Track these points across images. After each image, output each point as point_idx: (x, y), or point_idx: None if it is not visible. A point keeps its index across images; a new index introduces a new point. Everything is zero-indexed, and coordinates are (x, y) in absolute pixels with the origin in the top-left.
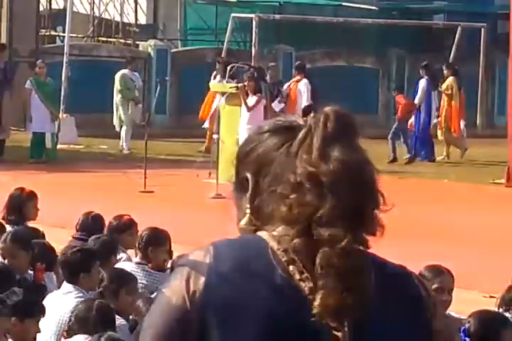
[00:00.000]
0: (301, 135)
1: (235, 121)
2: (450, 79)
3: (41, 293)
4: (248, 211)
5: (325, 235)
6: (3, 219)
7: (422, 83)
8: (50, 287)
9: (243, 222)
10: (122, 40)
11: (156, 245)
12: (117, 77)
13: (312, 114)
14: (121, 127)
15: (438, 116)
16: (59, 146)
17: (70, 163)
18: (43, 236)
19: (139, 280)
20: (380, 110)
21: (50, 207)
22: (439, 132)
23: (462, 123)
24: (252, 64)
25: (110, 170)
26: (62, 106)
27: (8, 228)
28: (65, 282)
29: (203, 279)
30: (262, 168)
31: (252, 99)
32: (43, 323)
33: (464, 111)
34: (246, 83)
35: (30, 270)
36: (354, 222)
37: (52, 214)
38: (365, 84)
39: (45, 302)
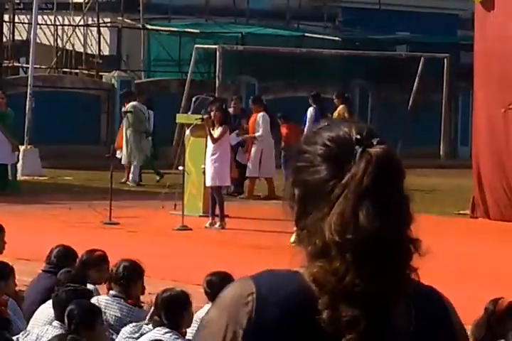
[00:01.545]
0: (336, 190)
1: (199, 153)
2: (340, 108)
3: (6, 328)
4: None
5: (346, 316)
6: None
7: (310, 112)
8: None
9: (292, 239)
10: (86, 71)
11: (134, 279)
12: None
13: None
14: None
15: None
16: (23, 178)
17: (34, 195)
18: (11, 270)
19: (113, 313)
20: None
21: (15, 240)
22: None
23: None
24: (216, 95)
25: (75, 202)
26: (26, 138)
27: None
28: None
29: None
30: (308, 196)
31: (217, 130)
32: None
33: None
34: (212, 114)
35: None
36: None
37: (18, 246)
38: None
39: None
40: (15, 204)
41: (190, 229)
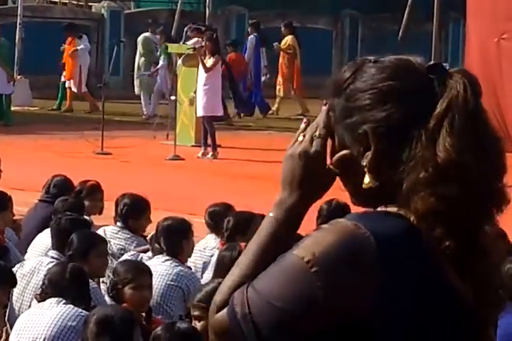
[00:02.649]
0: (439, 110)
1: (191, 82)
2: (289, 38)
3: (4, 255)
4: (366, 169)
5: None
6: None
7: (251, 40)
8: (17, 252)
9: (367, 180)
10: (75, 2)
11: (137, 213)
12: (140, 40)
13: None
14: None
15: (266, 74)
16: (13, 108)
17: (25, 126)
18: (9, 199)
19: (118, 243)
20: (333, 72)
21: (9, 170)
22: (278, 88)
23: None
24: (208, 25)
25: (66, 133)
26: (16, 68)
27: None
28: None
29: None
30: (389, 132)
31: (209, 60)
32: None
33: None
34: (204, 44)
35: None
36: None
37: (11, 176)
38: (318, 45)
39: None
40: (6, 134)
41: (183, 159)
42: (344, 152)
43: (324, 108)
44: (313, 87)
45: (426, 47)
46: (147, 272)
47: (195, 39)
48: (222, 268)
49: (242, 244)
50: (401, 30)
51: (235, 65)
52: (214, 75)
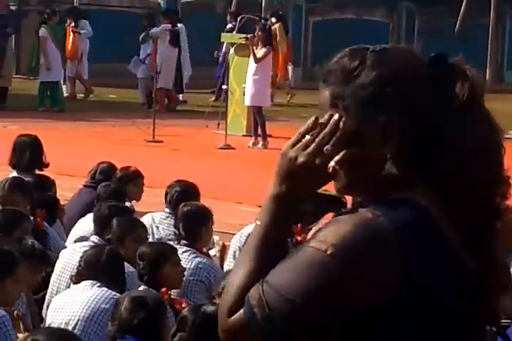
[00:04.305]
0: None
1: (243, 72)
2: (275, 26)
3: (43, 239)
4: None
5: None
6: (13, 165)
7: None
8: (61, 234)
9: (390, 168)
10: None
11: (187, 200)
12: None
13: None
14: None
15: None
16: (66, 95)
17: (78, 112)
18: (53, 184)
19: (167, 228)
20: None
21: (59, 156)
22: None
23: (290, 67)
24: (262, 15)
25: (119, 120)
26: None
27: (15, 174)
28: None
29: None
30: (417, 117)
31: (261, 51)
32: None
33: (291, 55)
34: (256, 34)
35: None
36: None
37: (61, 162)
38: (374, 37)
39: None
40: (59, 120)
41: (233, 148)
42: (352, 151)
43: (336, 116)
44: None
45: (483, 41)
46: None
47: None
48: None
49: None
50: (458, 24)
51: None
52: (264, 66)
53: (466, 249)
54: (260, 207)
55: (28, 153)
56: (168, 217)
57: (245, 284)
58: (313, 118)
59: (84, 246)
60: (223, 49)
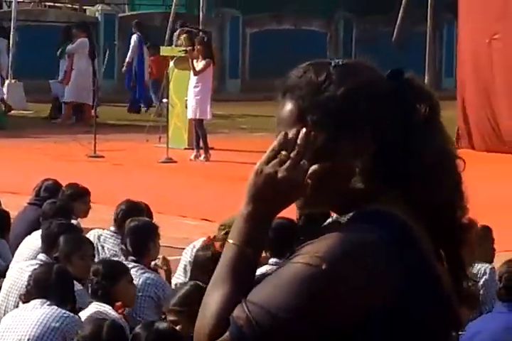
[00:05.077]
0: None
1: (184, 85)
2: (182, 37)
3: None
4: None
5: None
6: None
7: (134, 39)
8: (4, 253)
9: (357, 182)
10: (69, 5)
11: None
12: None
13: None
14: None
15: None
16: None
17: (19, 129)
18: None
19: (111, 247)
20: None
21: (1, 173)
22: None
23: None
24: (201, 28)
25: (60, 136)
26: (10, 72)
27: None
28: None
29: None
30: (383, 131)
31: (200, 64)
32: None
33: None
34: (195, 47)
35: None
36: None
37: (4, 180)
38: (312, 47)
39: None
40: (1, 137)
41: (176, 162)
42: (324, 164)
43: (304, 131)
44: None
45: (420, 49)
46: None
47: (81, 39)
48: (198, 268)
49: (217, 244)
50: (395, 32)
51: (156, 66)
52: (204, 78)
53: (439, 261)
54: (205, 220)
55: None
56: (113, 235)
57: (224, 306)
58: (282, 133)
59: (32, 264)
60: (127, 58)
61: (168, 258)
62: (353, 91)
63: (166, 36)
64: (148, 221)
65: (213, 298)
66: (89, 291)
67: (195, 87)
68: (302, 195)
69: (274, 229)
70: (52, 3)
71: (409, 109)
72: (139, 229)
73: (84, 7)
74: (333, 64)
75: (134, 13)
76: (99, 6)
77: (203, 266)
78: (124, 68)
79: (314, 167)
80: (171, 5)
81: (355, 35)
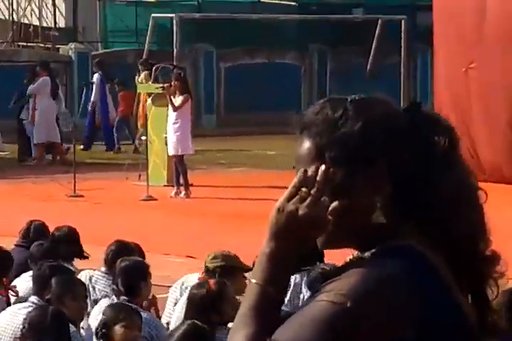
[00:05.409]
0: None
1: (162, 122)
2: (143, 74)
3: None
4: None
5: None
6: None
7: (96, 78)
8: None
9: (379, 217)
10: (42, 45)
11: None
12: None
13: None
14: None
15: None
16: None
17: None
18: None
19: (102, 288)
20: (303, 107)
21: None
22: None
23: None
24: (176, 64)
25: (37, 176)
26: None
27: None
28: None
29: None
30: (403, 165)
31: (178, 99)
32: None
33: None
34: (172, 83)
35: None
36: None
37: None
38: (287, 81)
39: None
40: None
41: (156, 200)
42: (344, 201)
43: (323, 168)
44: (282, 123)
45: (394, 79)
46: (138, 313)
47: (42, 78)
48: (193, 307)
49: (211, 281)
50: (369, 63)
51: (125, 102)
52: (183, 114)
53: (464, 295)
54: (190, 257)
55: None
56: (104, 276)
57: None
58: (302, 170)
59: (24, 307)
60: (92, 98)
61: None
62: (369, 125)
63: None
64: (139, 260)
65: (238, 339)
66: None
67: (174, 123)
68: (324, 232)
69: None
70: (24, 43)
71: (427, 141)
72: (129, 268)
73: (57, 46)
74: (349, 99)
75: (108, 50)
76: (72, 45)
77: (198, 305)
78: (89, 108)
79: (334, 204)
80: (144, 42)
81: (330, 67)
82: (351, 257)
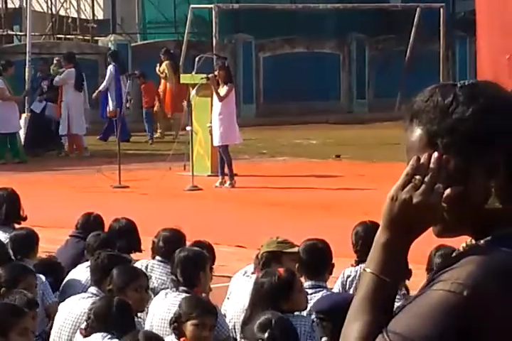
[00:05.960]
0: None
1: (206, 112)
2: (164, 64)
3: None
4: (493, 191)
5: None
6: None
7: (110, 69)
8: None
9: (494, 201)
10: (81, 37)
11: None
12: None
13: None
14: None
15: (130, 100)
16: None
17: (39, 162)
18: (37, 237)
19: (159, 277)
20: (342, 96)
21: (28, 208)
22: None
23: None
24: (220, 54)
25: (82, 168)
26: (26, 106)
27: None
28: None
29: None
30: None
31: (223, 89)
32: (58, 324)
33: (185, 91)
34: (216, 73)
35: None
36: None
37: (31, 214)
38: (326, 70)
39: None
40: (22, 172)
41: (201, 189)
42: (459, 187)
43: (435, 155)
44: (322, 111)
45: (433, 67)
46: (213, 313)
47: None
48: (261, 295)
49: (281, 270)
50: (408, 51)
51: (148, 93)
52: (228, 104)
53: None
54: (240, 246)
55: (5, 207)
56: (160, 265)
57: (365, 336)
58: (415, 158)
59: (83, 297)
60: (100, 88)
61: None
62: (481, 110)
63: (180, 63)
64: (199, 250)
65: (353, 329)
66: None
67: (220, 113)
68: (439, 219)
69: (307, 251)
70: (63, 36)
71: None
72: (189, 259)
73: (96, 38)
74: (459, 85)
75: (146, 42)
76: (111, 37)
77: (268, 293)
78: (93, 95)
79: (449, 190)
80: (183, 33)
81: (368, 56)
82: (464, 245)
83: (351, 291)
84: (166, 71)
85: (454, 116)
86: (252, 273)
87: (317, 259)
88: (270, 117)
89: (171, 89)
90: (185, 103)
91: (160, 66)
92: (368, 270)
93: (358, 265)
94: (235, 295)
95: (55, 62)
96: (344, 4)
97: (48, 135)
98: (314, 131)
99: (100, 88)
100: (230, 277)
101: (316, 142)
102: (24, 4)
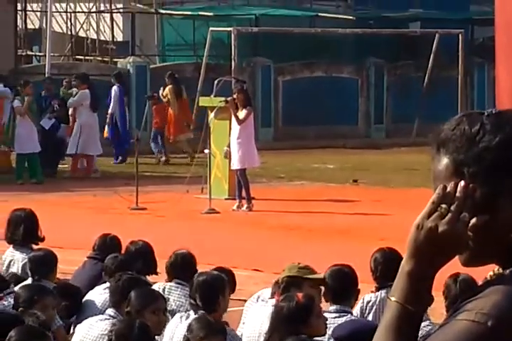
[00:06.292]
0: None
1: (224, 135)
2: (167, 88)
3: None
4: None
5: None
6: (8, 240)
7: (115, 90)
8: None
9: None
10: (99, 58)
11: (190, 269)
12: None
13: None
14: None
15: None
16: None
17: (55, 183)
18: (55, 258)
19: (177, 299)
20: (359, 120)
21: (45, 229)
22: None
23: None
24: (239, 77)
25: (100, 189)
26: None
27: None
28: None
29: None
30: None
31: (242, 112)
32: None
33: (189, 114)
34: (235, 96)
35: None
36: None
37: (48, 235)
38: (344, 94)
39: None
40: (38, 192)
41: (219, 213)
42: (485, 216)
43: (462, 183)
44: (340, 136)
45: (451, 93)
46: (220, 333)
47: (82, 91)
48: (280, 319)
49: (300, 295)
50: (426, 77)
51: (159, 114)
52: (247, 127)
53: None
54: (257, 270)
55: (23, 228)
56: (178, 287)
57: None
58: (441, 186)
59: (101, 319)
60: (110, 110)
61: None
62: (508, 139)
63: (199, 86)
64: (217, 275)
65: None
66: None
67: (238, 137)
68: (465, 248)
69: (333, 276)
70: (82, 57)
71: None
72: (208, 283)
73: (115, 60)
74: (486, 113)
75: (165, 64)
76: (130, 58)
77: (286, 317)
78: (107, 120)
79: (475, 219)
80: (202, 56)
81: (387, 81)
82: (492, 273)
83: (370, 317)
84: (169, 96)
85: (480, 145)
86: (270, 298)
87: (343, 284)
88: (288, 141)
89: (172, 114)
90: (188, 125)
91: (163, 90)
92: (392, 298)
93: (378, 291)
94: (250, 320)
95: (64, 83)
96: (363, 29)
97: (58, 156)
98: (332, 156)
99: (110, 110)
100: (246, 301)
101: (333, 166)
102: (44, 25)
